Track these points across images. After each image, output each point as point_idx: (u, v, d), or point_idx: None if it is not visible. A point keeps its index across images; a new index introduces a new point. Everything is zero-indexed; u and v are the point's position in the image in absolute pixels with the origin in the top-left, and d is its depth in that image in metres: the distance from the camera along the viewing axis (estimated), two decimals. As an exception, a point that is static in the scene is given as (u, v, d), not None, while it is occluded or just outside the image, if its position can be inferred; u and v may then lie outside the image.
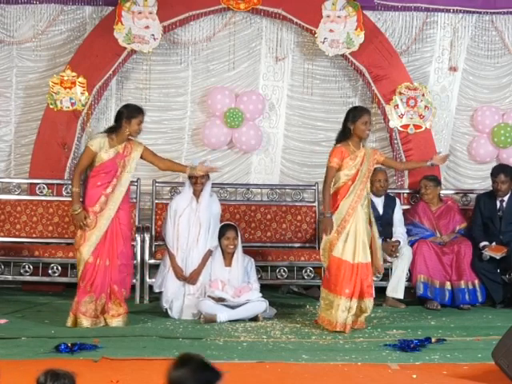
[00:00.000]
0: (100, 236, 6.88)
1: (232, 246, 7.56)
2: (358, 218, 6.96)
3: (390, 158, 7.23)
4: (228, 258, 7.60)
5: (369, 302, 6.99)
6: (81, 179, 7.08)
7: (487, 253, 8.19)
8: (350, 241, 6.92)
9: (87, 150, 7.01)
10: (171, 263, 7.56)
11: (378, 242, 7.28)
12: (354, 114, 7.09)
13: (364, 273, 6.93)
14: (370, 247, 7.09)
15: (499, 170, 8.56)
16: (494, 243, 8.29)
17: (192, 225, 7.57)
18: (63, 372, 3.46)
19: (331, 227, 6.93)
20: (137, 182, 8.89)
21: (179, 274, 7.52)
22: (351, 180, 7.00)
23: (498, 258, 8.16)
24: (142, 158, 7.19)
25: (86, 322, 6.82)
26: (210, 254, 7.60)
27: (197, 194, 7.64)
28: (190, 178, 7.62)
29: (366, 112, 7.16)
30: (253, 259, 7.78)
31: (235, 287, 7.42)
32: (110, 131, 7.07)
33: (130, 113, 7.04)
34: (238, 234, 7.63)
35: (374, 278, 8.26)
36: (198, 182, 7.59)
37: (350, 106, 9.28)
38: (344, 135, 7.09)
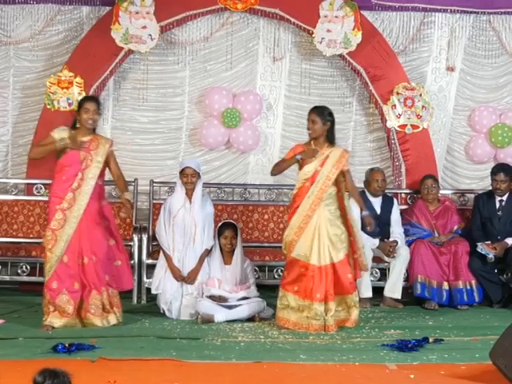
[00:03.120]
0: (72, 233, 6.77)
1: (229, 245, 7.56)
2: (320, 218, 6.95)
3: (350, 177, 7.13)
4: (227, 256, 7.60)
5: (355, 297, 6.98)
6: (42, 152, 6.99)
7: (482, 247, 8.18)
8: (315, 243, 6.91)
9: (47, 136, 6.94)
10: (168, 264, 7.55)
11: (360, 240, 7.15)
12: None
13: (342, 270, 6.91)
14: (352, 246, 7.07)
15: (499, 168, 8.56)
16: (489, 242, 8.30)
17: (187, 225, 7.57)
18: (60, 370, 3.47)
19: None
20: (134, 182, 8.90)
21: (177, 275, 7.52)
22: (309, 181, 6.99)
23: (489, 256, 8.15)
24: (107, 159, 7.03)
25: (98, 322, 6.83)
26: (206, 253, 7.60)
27: (189, 194, 7.64)
28: (181, 177, 7.62)
29: (309, 111, 7.15)
30: (252, 262, 7.77)
31: (232, 285, 7.42)
32: (73, 126, 6.98)
33: (78, 104, 7.02)
34: (236, 233, 7.62)
35: (372, 278, 8.29)
36: (188, 181, 7.59)
37: (348, 106, 9.36)
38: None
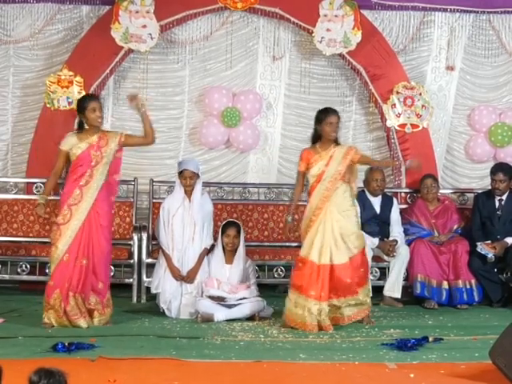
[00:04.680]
0: (76, 230, 6.74)
1: (231, 244, 7.54)
2: (326, 216, 6.96)
3: (366, 155, 7.38)
4: (229, 255, 7.59)
5: (351, 300, 6.98)
6: (57, 179, 7.16)
7: (482, 247, 8.18)
8: (317, 241, 6.93)
9: (59, 152, 6.98)
10: (167, 264, 7.54)
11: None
12: (320, 115, 7.15)
13: (341, 273, 6.91)
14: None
15: (498, 168, 8.56)
16: (489, 242, 8.30)
17: (186, 224, 7.56)
18: (56, 369, 3.47)
19: (288, 230, 7.33)
20: (134, 181, 8.90)
21: (176, 274, 7.51)
22: (316, 181, 7.03)
23: (489, 256, 8.15)
24: (127, 145, 7.06)
25: (82, 323, 6.79)
26: (205, 252, 7.60)
27: (188, 193, 7.63)
28: (180, 178, 7.61)
29: (332, 113, 7.16)
30: (253, 263, 7.77)
31: (232, 285, 7.41)
32: (78, 129, 7.00)
33: (81, 104, 6.96)
34: (239, 232, 7.61)
35: (371, 278, 8.25)
36: (187, 183, 7.58)
37: (348, 105, 9.36)
38: (314, 137, 7.18)
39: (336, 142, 7.15)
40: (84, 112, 6.89)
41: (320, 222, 6.96)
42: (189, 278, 7.50)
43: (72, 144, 6.89)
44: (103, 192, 6.89)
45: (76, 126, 7.12)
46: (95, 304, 6.87)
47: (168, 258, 7.55)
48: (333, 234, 6.93)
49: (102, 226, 6.86)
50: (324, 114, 7.12)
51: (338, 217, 6.99)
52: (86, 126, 6.93)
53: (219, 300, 7.29)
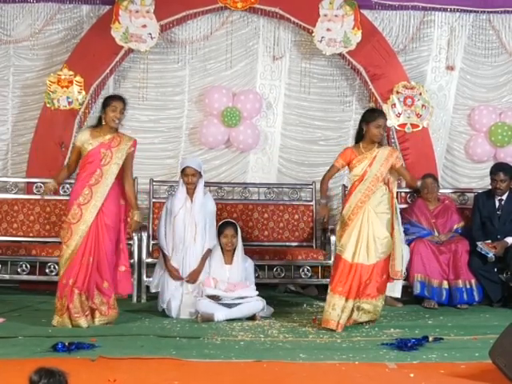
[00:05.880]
0: (86, 229, 6.75)
1: (230, 244, 7.54)
2: (365, 217, 6.97)
3: (404, 169, 7.37)
4: (228, 255, 7.58)
5: (365, 304, 6.96)
6: (69, 172, 7.14)
7: (482, 246, 8.18)
8: (353, 240, 6.93)
9: (74, 146, 7.16)
10: (165, 265, 7.53)
11: (398, 247, 7.14)
12: (369, 116, 7.12)
13: (365, 274, 6.92)
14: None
15: (498, 168, 8.55)
16: (489, 241, 8.30)
17: (188, 224, 7.55)
18: (56, 369, 3.47)
19: (324, 211, 7.32)
20: (134, 180, 8.88)
21: (174, 275, 7.49)
22: (358, 180, 7.04)
23: (489, 256, 8.14)
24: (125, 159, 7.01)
25: (83, 322, 6.78)
26: (208, 253, 7.58)
27: (190, 192, 7.63)
28: (182, 176, 7.61)
29: (381, 116, 7.14)
30: (253, 262, 7.76)
31: (230, 283, 7.39)
32: (96, 124, 7.05)
33: (104, 102, 7.02)
34: (237, 232, 7.61)
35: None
36: (189, 181, 7.58)
37: (348, 104, 9.35)
38: (358, 135, 7.17)
39: (379, 143, 7.14)
40: (105, 108, 6.94)
41: (357, 221, 6.96)
42: (191, 278, 7.49)
43: (84, 140, 6.92)
44: (113, 192, 6.89)
45: (96, 121, 7.14)
46: (99, 304, 6.88)
47: (167, 259, 7.54)
48: (367, 235, 6.94)
49: (107, 226, 6.85)
50: (373, 116, 7.07)
51: (374, 218, 6.99)
52: (103, 123, 6.94)
53: (216, 299, 7.28)
